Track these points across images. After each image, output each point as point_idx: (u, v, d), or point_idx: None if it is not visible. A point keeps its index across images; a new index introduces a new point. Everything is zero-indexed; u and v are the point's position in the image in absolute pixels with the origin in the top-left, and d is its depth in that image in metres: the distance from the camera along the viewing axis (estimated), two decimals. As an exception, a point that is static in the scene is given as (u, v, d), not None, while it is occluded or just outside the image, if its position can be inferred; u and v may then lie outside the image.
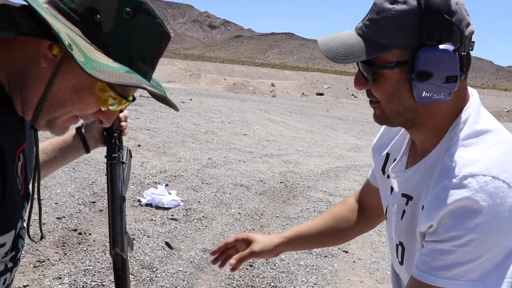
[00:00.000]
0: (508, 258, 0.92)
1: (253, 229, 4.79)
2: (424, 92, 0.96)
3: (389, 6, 0.96)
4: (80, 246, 3.89)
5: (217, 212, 5.17)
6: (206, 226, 4.73)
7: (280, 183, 6.75)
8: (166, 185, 5.91)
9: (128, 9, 0.81)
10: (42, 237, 1.12)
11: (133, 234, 4.27)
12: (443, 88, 0.96)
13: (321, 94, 38.18)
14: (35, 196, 1.03)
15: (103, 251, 3.85)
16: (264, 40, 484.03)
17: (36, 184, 1.02)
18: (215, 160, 7.92)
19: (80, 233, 4.13)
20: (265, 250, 1.44)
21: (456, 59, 0.94)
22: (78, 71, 0.76)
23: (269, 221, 5.08)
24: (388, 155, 1.26)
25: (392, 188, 1.20)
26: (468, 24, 0.98)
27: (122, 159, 1.30)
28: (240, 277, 3.72)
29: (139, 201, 5.21)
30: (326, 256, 4.29)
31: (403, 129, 1.17)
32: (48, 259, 3.60)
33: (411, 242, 1.10)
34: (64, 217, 4.45)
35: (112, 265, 1.25)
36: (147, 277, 3.56)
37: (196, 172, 6.86)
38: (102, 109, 0.88)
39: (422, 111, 1.03)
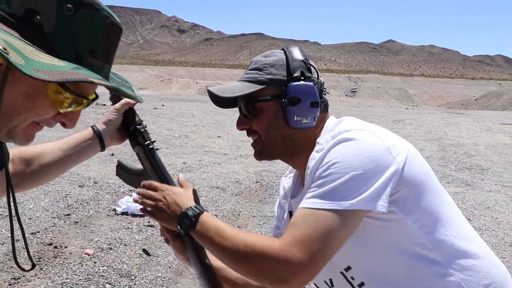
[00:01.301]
0: (378, 183, 1.06)
1: (231, 231, 4.80)
2: (295, 116, 1.20)
3: (263, 59, 1.27)
4: (56, 260, 3.84)
5: (194, 216, 5.16)
6: (183, 230, 4.72)
7: (256, 182, 6.77)
8: (142, 192, 5.87)
9: (69, 5, 0.78)
10: (33, 266, 1.09)
11: (110, 244, 4.23)
12: (309, 112, 1.21)
13: (294, 92, 38.33)
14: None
15: (80, 263, 3.80)
16: (234, 42, 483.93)
17: (12, 203, 0.99)
18: (190, 164, 7.90)
19: (55, 247, 4.07)
20: None
21: (316, 90, 1.22)
22: (26, 77, 0.74)
23: (246, 221, 5.09)
24: (290, 212, 1.38)
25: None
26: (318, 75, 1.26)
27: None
28: (220, 279, 3.72)
29: (114, 210, 5.16)
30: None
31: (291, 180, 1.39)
32: (23, 276, 3.54)
33: None
34: (38, 232, 4.39)
35: None
36: (126, 285, 3.53)
37: (171, 177, 6.82)
38: (61, 111, 0.86)
39: (296, 138, 1.25)
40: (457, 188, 7.22)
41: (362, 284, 1.18)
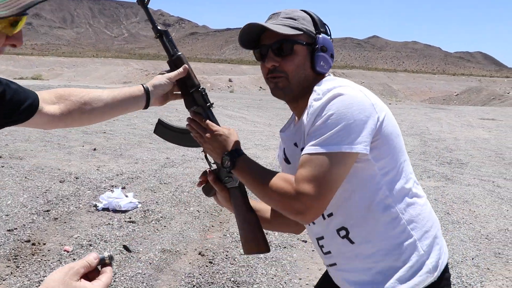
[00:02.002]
0: (365, 131, 1.29)
1: (212, 226, 4.80)
2: (321, 62, 1.44)
3: (292, 12, 1.47)
4: (34, 257, 3.81)
5: (176, 212, 5.16)
6: (164, 226, 4.71)
7: (239, 178, 6.78)
8: (123, 188, 5.84)
9: None
10: None
11: (90, 240, 4.21)
12: (329, 61, 1.46)
13: (278, 87, 38.34)
14: None
15: (58, 260, 3.77)
16: (219, 36, 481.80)
17: None
18: (173, 159, 7.87)
19: (33, 244, 4.03)
20: None
21: (332, 44, 1.47)
22: None
23: (228, 216, 5.10)
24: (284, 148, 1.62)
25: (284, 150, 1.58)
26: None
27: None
28: (200, 274, 3.73)
29: (95, 206, 5.13)
30: (285, 247, 4.34)
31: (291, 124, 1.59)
32: None
33: None
34: (16, 228, 4.34)
35: None
36: (105, 282, 3.51)
37: (154, 172, 6.81)
38: (9, 35, 0.98)
39: (311, 82, 1.44)
40: (437, 182, 7.31)
41: (331, 214, 1.43)
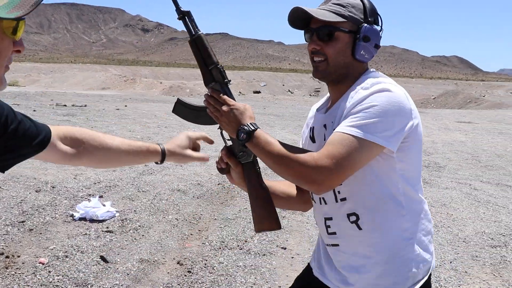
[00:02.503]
0: (399, 131, 1.40)
1: (191, 234, 4.75)
2: (362, 51, 1.50)
3: (344, 0, 1.52)
4: (7, 270, 3.71)
5: (154, 220, 5.10)
6: (142, 235, 4.65)
7: (218, 184, 6.74)
8: (100, 197, 5.76)
9: None
10: None
11: (66, 252, 4.13)
12: (371, 50, 1.52)
13: (258, 92, 38.48)
14: None
15: (33, 273, 3.69)
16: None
17: None
18: (151, 166, 7.79)
19: (7, 257, 3.93)
20: None
21: (380, 36, 1.53)
22: None
23: (207, 224, 5.06)
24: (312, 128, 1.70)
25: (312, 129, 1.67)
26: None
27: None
28: (179, 284, 3.68)
29: (72, 216, 5.04)
30: (264, 255, 4.33)
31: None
32: (-28, 287, 3.42)
33: None
34: (-11, 240, 4.24)
35: None
36: (82, 294, 3.45)
37: (132, 180, 6.73)
38: (17, 39, 1.01)
39: (350, 68, 1.53)
40: (415, 186, 7.38)
41: (344, 199, 1.52)
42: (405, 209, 1.49)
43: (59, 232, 4.59)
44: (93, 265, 3.92)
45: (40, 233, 4.52)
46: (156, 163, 1.65)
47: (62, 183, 6.28)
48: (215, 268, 4.00)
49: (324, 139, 1.53)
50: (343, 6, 1.50)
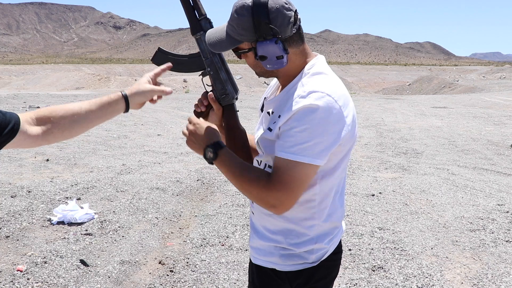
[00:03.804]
0: (331, 145, 1.47)
1: (172, 232, 4.70)
2: (268, 65, 1.54)
3: (235, 15, 1.52)
4: (-16, 279, 3.62)
5: (134, 220, 5.02)
6: (122, 236, 4.58)
7: (197, 180, 6.69)
8: (78, 199, 5.65)
9: None
10: None
11: (45, 257, 4.04)
12: (277, 62, 1.52)
13: (235, 85, 38.29)
14: None
15: (11, 281, 3.60)
16: (172, 37, 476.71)
17: None
18: (129, 165, 7.69)
19: (-17, 265, 3.83)
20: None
21: (278, 46, 1.49)
22: None
23: (187, 221, 5.01)
24: (265, 98, 1.79)
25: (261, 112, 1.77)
26: (289, 17, 1.49)
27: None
28: (161, 284, 3.63)
29: (49, 220, 4.93)
30: (246, 250, 4.30)
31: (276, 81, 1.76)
32: None
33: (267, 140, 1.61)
34: (-36, 249, 4.12)
35: None
36: (62, 300, 3.37)
37: (110, 180, 6.62)
38: None
39: (278, 71, 1.60)
40: (394, 173, 7.44)
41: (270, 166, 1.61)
42: (315, 198, 1.60)
43: (37, 238, 4.49)
44: (73, 270, 3.84)
45: (17, 240, 4.41)
46: (125, 112, 1.66)
47: (38, 187, 6.15)
48: (197, 266, 3.96)
49: (264, 127, 1.64)
50: (234, 27, 1.52)
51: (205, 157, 1.56)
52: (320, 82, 1.52)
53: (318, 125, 1.44)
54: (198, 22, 1.70)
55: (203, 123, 1.60)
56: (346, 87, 1.69)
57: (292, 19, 1.50)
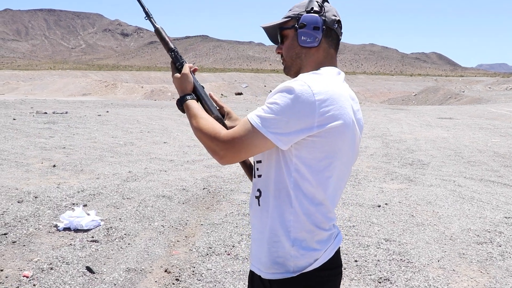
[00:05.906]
0: (295, 132, 1.49)
1: (178, 241, 4.70)
2: (302, 37, 1.66)
3: (294, 5, 1.72)
4: (-9, 284, 3.63)
5: (140, 228, 5.03)
6: (128, 244, 4.58)
7: (203, 189, 6.69)
8: (85, 205, 5.67)
9: None
10: None
11: (51, 263, 4.05)
12: (311, 34, 1.65)
13: (240, 94, 38.43)
14: None
15: (17, 287, 3.61)
16: (178, 44, 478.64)
17: None
18: (135, 172, 7.71)
19: (-10, 270, 3.84)
20: None
21: (319, 19, 1.65)
22: None
23: (193, 230, 5.01)
24: None
25: None
26: (335, 14, 1.70)
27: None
28: (167, 293, 3.63)
29: (56, 226, 4.95)
30: (253, 259, 4.29)
31: None
32: (-45, 304, 3.32)
33: None
34: (-29, 254, 4.13)
35: None
36: (68, 307, 3.38)
37: (116, 187, 6.64)
38: None
39: (304, 59, 1.70)
40: (400, 184, 7.42)
41: (260, 176, 1.69)
42: (293, 203, 1.59)
43: (43, 244, 4.50)
44: (79, 277, 3.84)
45: (24, 245, 4.43)
46: None
47: (45, 193, 6.18)
48: (203, 275, 3.96)
49: None
50: (290, 10, 1.73)
51: (178, 103, 1.83)
52: (310, 77, 1.57)
53: (286, 105, 1.48)
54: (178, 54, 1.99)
55: (190, 78, 1.87)
56: (352, 97, 1.70)
57: (337, 18, 1.71)
